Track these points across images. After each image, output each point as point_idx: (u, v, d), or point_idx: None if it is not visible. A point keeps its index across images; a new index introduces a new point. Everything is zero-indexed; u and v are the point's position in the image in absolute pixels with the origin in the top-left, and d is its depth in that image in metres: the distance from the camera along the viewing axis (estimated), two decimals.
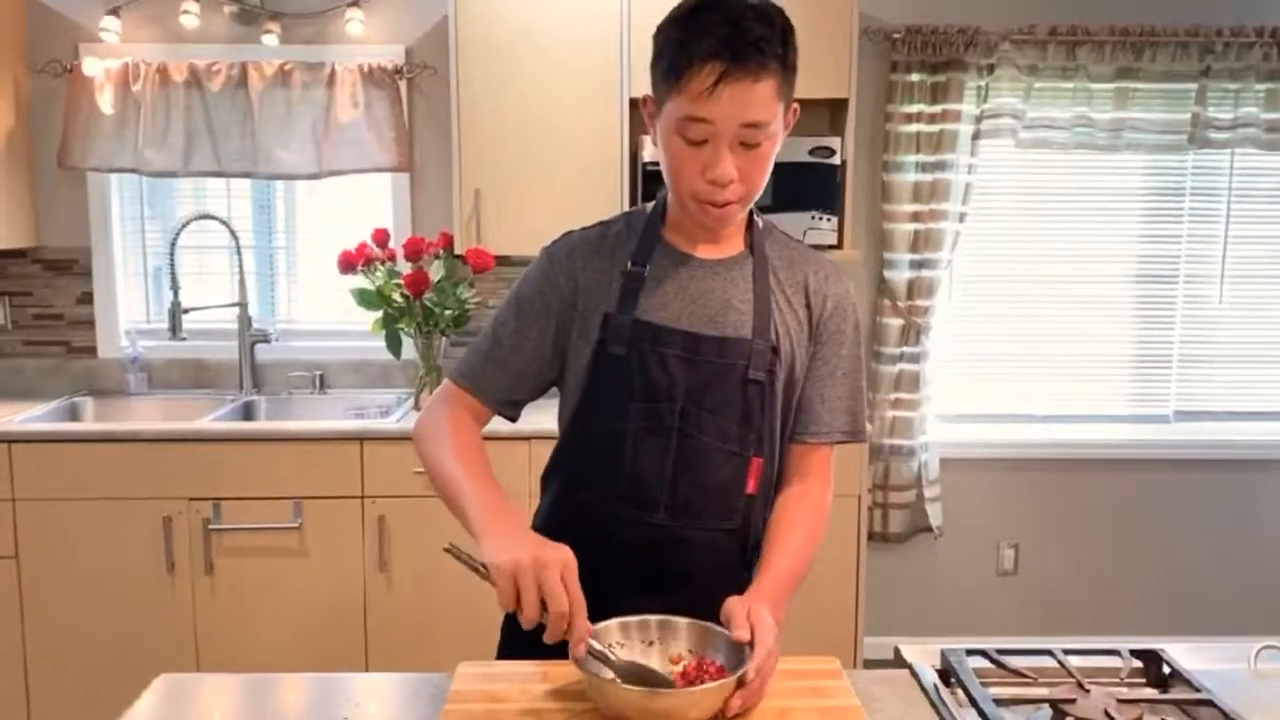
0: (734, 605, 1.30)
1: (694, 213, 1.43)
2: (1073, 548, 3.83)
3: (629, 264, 1.47)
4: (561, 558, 1.23)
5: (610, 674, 1.23)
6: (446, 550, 1.29)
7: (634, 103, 3.16)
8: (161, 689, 1.37)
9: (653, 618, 1.32)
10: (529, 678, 1.33)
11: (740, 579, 1.51)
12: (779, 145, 1.41)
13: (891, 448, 3.64)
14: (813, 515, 1.50)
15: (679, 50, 1.33)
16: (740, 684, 1.20)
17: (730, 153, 1.35)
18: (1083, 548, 3.83)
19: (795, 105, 1.43)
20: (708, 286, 1.46)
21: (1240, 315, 3.79)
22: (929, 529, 3.71)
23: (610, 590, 1.32)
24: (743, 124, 1.34)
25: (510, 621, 1.58)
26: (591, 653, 1.22)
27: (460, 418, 1.51)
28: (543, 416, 1.62)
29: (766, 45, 1.32)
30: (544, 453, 1.59)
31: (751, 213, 1.51)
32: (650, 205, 1.54)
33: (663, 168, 1.43)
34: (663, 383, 1.44)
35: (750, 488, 1.48)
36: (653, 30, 1.40)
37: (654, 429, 1.44)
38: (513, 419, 1.56)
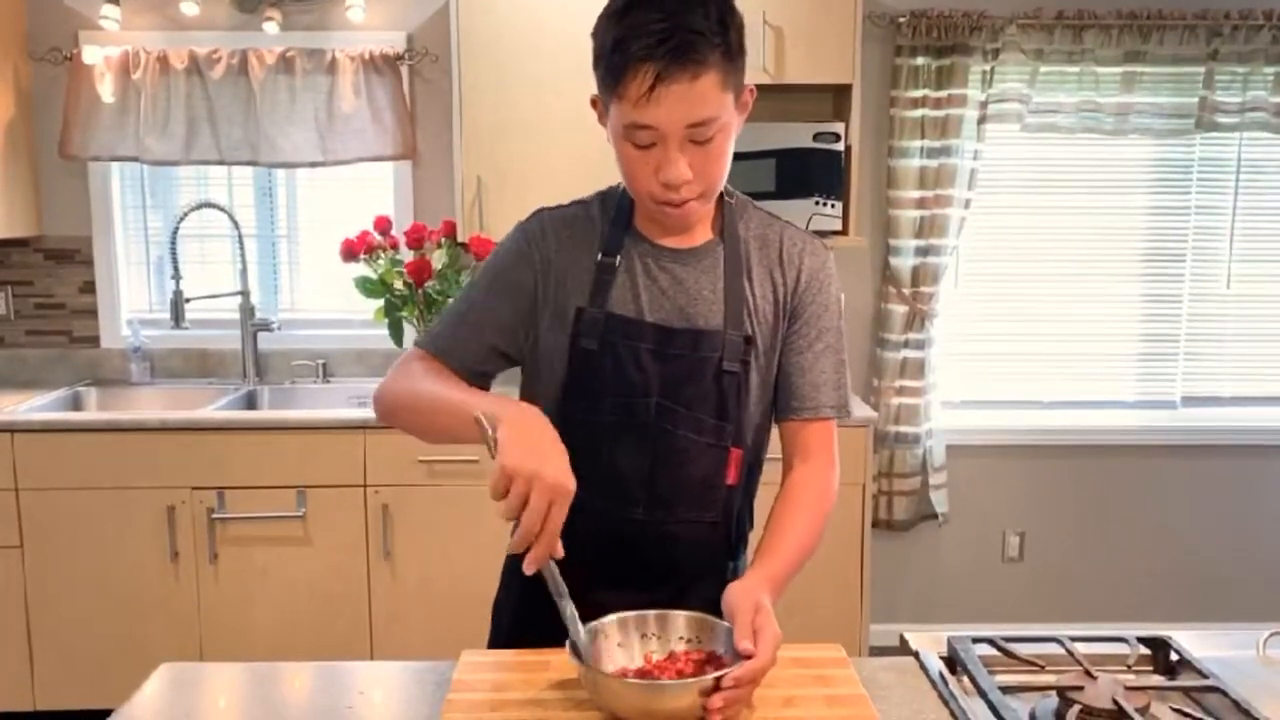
0: (739, 600, 1.26)
1: (655, 214, 1.40)
2: (1079, 534, 3.82)
3: (600, 254, 1.44)
4: (555, 485, 1.18)
5: (609, 663, 1.22)
6: (475, 421, 1.24)
7: None
8: (164, 677, 1.36)
9: (650, 612, 1.30)
10: (532, 667, 1.32)
11: (725, 571, 1.50)
12: (734, 133, 1.37)
13: (896, 435, 3.62)
14: (818, 498, 1.47)
15: (614, 52, 1.28)
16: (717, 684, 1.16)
17: (681, 153, 1.31)
18: (1089, 534, 3.82)
19: (750, 87, 1.38)
20: (678, 277, 1.43)
21: (1248, 301, 3.77)
22: (934, 516, 3.70)
23: (595, 587, 1.30)
24: (688, 125, 1.29)
25: (499, 610, 1.58)
26: (549, 580, 1.22)
27: (431, 365, 1.45)
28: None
29: (703, 40, 1.25)
30: None
31: (723, 192, 1.47)
32: (622, 187, 1.48)
33: (619, 169, 1.40)
34: (637, 378, 1.41)
35: (730, 479, 1.45)
36: None
37: (630, 425, 1.41)
38: (484, 389, 1.48)
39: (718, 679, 1.14)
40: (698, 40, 1.25)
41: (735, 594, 1.28)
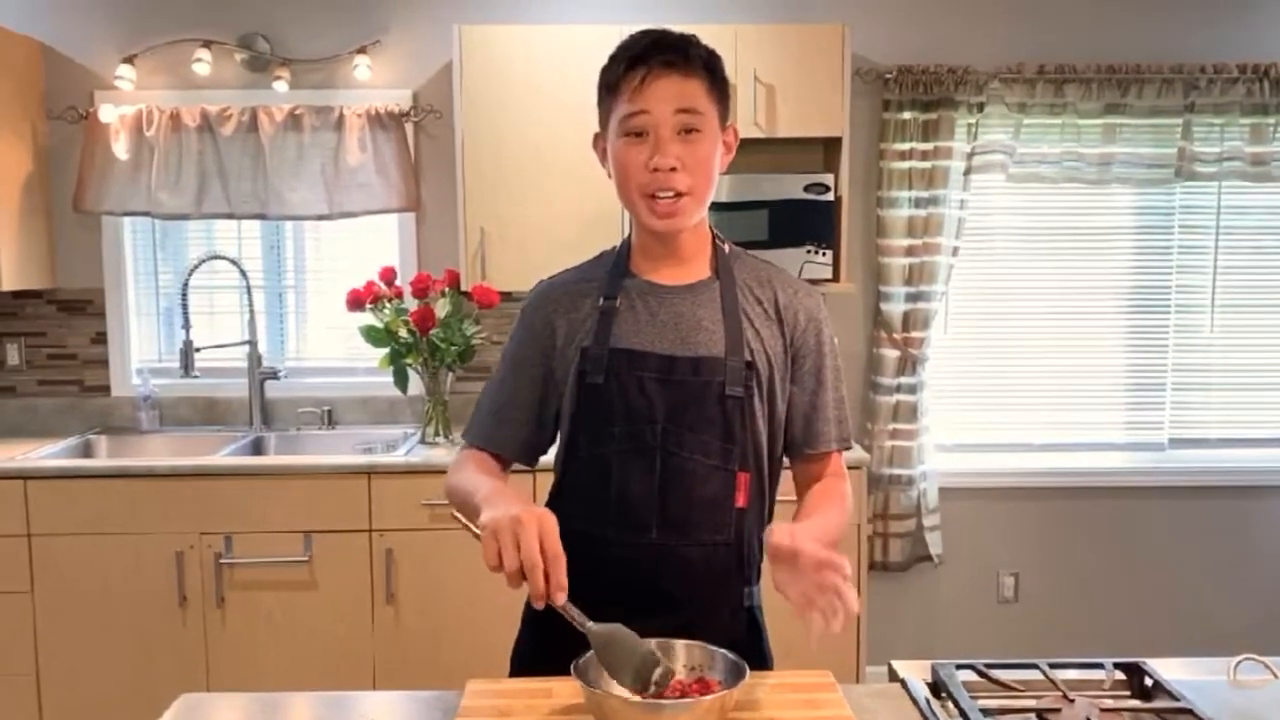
0: (777, 535, 1.33)
1: (645, 216, 1.50)
2: (1072, 575, 3.87)
3: (601, 299, 1.55)
4: (538, 515, 1.29)
5: (611, 688, 1.29)
6: (452, 515, 1.39)
7: None
8: (181, 708, 1.42)
9: (651, 640, 1.36)
10: (535, 693, 1.38)
11: (741, 598, 1.57)
12: (718, 156, 1.52)
13: (890, 477, 3.69)
14: (837, 493, 1.58)
15: (612, 67, 1.49)
16: (730, 702, 1.25)
17: (671, 142, 1.46)
18: (1082, 575, 3.87)
19: (734, 127, 1.55)
20: (677, 311, 1.54)
21: (1231, 344, 3.86)
22: (929, 558, 3.76)
23: (612, 614, 1.36)
24: (677, 110, 1.45)
25: (519, 645, 1.64)
26: (568, 610, 1.29)
27: (480, 457, 1.60)
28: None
29: (691, 48, 1.47)
30: (548, 483, 1.64)
31: (716, 238, 1.59)
32: (618, 244, 1.63)
33: (615, 181, 1.52)
34: (642, 405, 1.50)
35: (740, 501, 1.53)
36: None
37: (638, 450, 1.50)
38: (530, 464, 1.64)
39: (729, 696, 1.24)
40: (687, 48, 1.48)
41: (773, 532, 1.34)
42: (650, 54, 1.45)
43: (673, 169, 1.45)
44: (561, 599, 1.27)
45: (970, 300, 3.80)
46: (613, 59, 1.49)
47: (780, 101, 3.28)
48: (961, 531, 3.82)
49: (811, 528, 1.40)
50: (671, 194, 1.47)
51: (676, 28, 1.52)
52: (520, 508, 1.30)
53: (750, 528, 1.56)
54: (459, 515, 1.37)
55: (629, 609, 1.45)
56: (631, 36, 1.50)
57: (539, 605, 1.27)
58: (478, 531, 1.32)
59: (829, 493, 1.58)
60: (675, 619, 1.45)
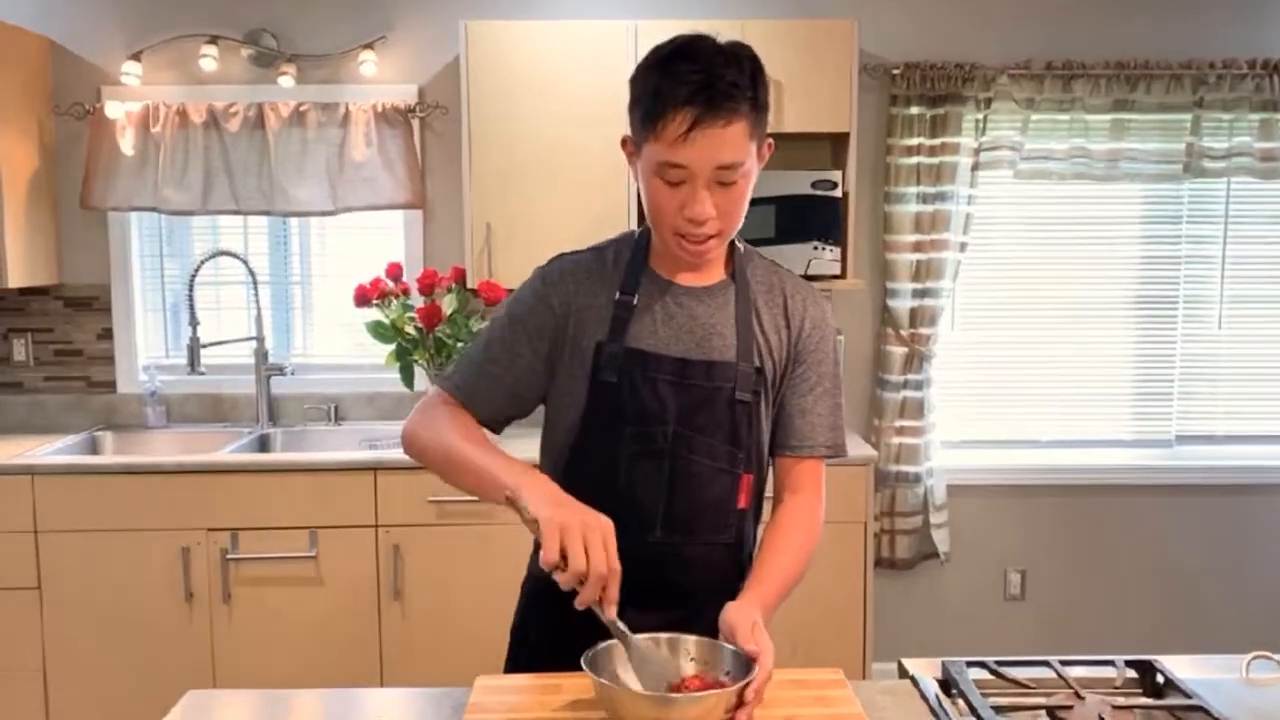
0: (736, 617, 1.35)
1: (674, 248, 1.49)
2: (1079, 572, 3.86)
3: (618, 293, 1.53)
4: (605, 524, 1.30)
5: (622, 679, 1.29)
6: (507, 500, 1.34)
7: None
8: (188, 704, 1.42)
9: (662, 635, 1.37)
10: (545, 689, 1.38)
11: (735, 591, 1.56)
12: (753, 181, 1.47)
13: (897, 474, 3.68)
14: (806, 528, 1.56)
15: (654, 98, 1.38)
16: (741, 698, 1.24)
17: (707, 192, 1.41)
18: (1089, 572, 3.86)
19: (770, 141, 1.49)
20: (693, 313, 1.53)
21: (1239, 341, 3.85)
22: (936, 555, 3.75)
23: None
24: (717, 166, 1.39)
25: (518, 632, 1.64)
26: (615, 627, 1.30)
27: (456, 413, 1.55)
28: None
29: (738, 91, 1.37)
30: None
31: (732, 240, 1.57)
32: (638, 232, 1.59)
33: (644, 205, 1.49)
34: (654, 407, 1.50)
35: (742, 503, 1.54)
36: None
37: (648, 451, 1.50)
38: (496, 433, 1.60)
39: (738, 691, 1.23)
40: (732, 91, 1.36)
41: (733, 612, 1.37)
42: (696, 99, 1.35)
43: (707, 219, 1.43)
44: (613, 613, 1.29)
45: (977, 296, 3.79)
46: (655, 92, 1.38)
47: (788, 98, 3.27)
48: (968, 528, 3.81)
49: (769, 603, 1.43)
50: (703, 236, 1.45)
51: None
52: (584, 510, 1.31)
53: (749, 526, 1.58)
54: (515, 503, 1.33)
55: (632, 600, 1.45)
56: (675, 62, 1.38)
57: (581, 607, 1.28)
58: (532, 519, 1.30)
59: (800, 530, 1.55)
60: (674, 613, 1.45)
